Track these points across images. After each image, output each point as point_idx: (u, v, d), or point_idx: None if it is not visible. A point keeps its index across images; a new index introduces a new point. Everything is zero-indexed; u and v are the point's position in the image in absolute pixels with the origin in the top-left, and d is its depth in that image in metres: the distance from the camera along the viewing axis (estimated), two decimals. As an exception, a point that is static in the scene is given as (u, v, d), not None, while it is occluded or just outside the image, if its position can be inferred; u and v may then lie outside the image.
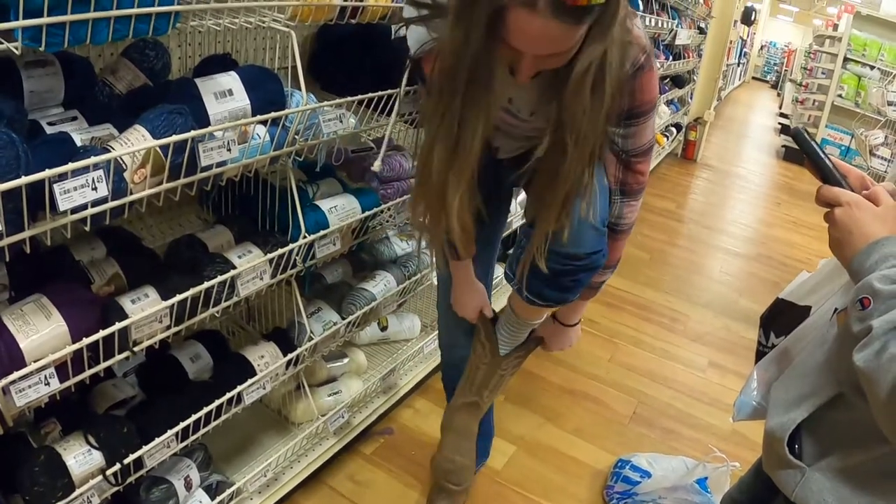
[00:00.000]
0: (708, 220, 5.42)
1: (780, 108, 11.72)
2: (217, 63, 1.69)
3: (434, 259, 1.71)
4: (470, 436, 1.95)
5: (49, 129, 1.35)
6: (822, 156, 1.13)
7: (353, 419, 2.22)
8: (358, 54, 2.04)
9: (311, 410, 2.04)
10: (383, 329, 2.47)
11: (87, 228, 1.26)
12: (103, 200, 1.25)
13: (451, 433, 1.95)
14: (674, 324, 3.52)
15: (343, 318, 1.97)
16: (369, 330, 2.46)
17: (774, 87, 16.68)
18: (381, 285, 2.06)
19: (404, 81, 1.76)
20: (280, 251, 1.62)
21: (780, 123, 10.24)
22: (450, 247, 1.61)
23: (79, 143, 1.33)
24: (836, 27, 9.07)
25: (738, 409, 1.36)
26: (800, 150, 1.16)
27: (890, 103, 6.55)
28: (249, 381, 1.71)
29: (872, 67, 7.77)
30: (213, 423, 1.69)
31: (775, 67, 17.90)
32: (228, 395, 1.67)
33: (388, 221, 1.98)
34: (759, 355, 1.42)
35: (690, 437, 2.66)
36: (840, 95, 7.93)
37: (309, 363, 1.95)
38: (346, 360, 2.28)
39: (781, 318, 1.39)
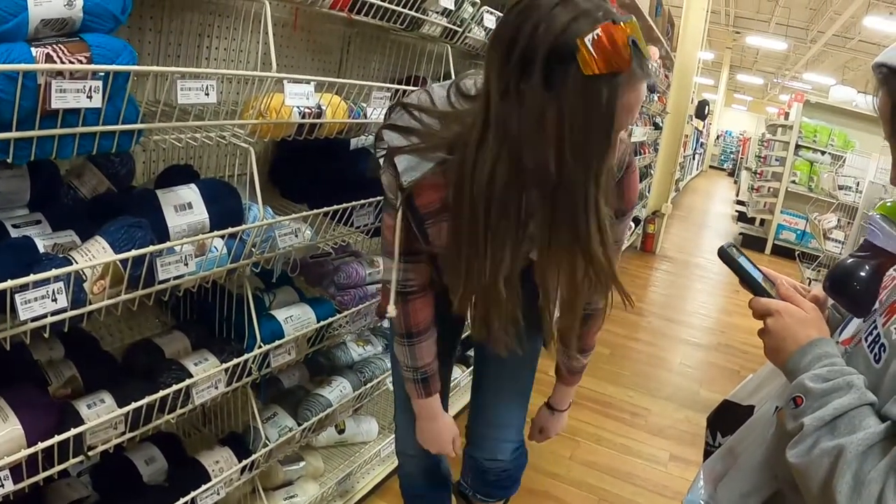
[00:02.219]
0: (668, 311, 5.58)
1: (737, 195, 12.16)
2: (179, 174, 1.80)
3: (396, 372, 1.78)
4: None
5: (13, 232, 1.43)
6: (749, 270, 1.23)
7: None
8: (317, 164, 2.17)
9: (268, 516, 2.07)
10: (340, 432, 2.52)
11: (46, 335, 1.33)
12: (63, 310, 1.33)
13: None
14: (634, 418, 3.60)
15: (299, 424, 2.02)
16: (327, 433, 2.51)
17: (731, 174, 17.30)
18: (337, 391, 2.13)
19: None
20: (235, 361, 1.69)
21: (737, 211, 10.61)
22: (422, 382, 1.64)
23: (41, 249, 1.41)
24: (787, 115, 9.56)
25: None
26: (728, 266, 1.26)
27: (841, 187, 6.87)
28: (204, 487, 1.75)
29: (823, 153, 8.18)
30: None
31: (731, 155, 18.60)
32: (182, 500, 1.71)
33: (343, 328, 2.07)
34: (707, 454, 1.51)
35: (653, 535, 2.72)
36: (793, 181, 8.30)
37: (264, 468, 2.00)
38: (302, 464, 2.32)
39: (726, 418, 1.49)
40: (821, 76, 17.05)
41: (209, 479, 1.81)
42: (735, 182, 14.85)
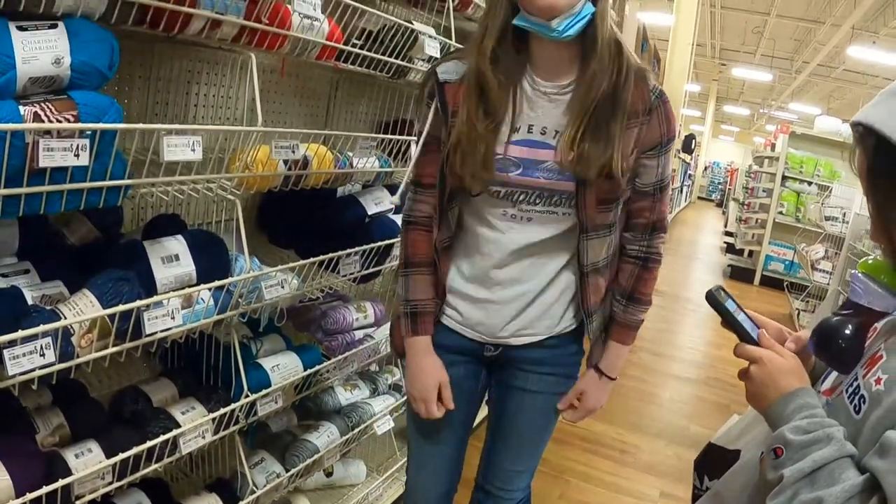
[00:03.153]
0: (657, 347, 5.60)
1: (726, 226, 12.24)
2: (166, 223, 1.82)
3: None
4: None
5: (1, 282, 1.45)
6: (735, 315, 1.25)
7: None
8: (304, 211, 2.19)
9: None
10: (328, 475, 2.52)
11: (34, 387, 1.34)
12: (50, 364, 1.34)
13: None
14: (624, 456, 3.61)
15: (287, 470, 2.03)
16: (315, 476, 2.51)
17: (720, 205, 17.41)
18: (325, 437, 2.14)
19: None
20: (223, 410, 1.70)
21: (725, 243, 10.69)
22: (411, 317, 1.67)
23: (29, 301, 1.43)
24: (773, 147, 9.66)
25: None
26: (716, 310, 1.28)
27: (828, 218, 6.93)
28: (189, 539, 1.76)
29: (810, 183, 8.26)
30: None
31: (720, 186, 18.74)
32: (167, 553, 1.71)
33: (331, 374, 2.08)
34: (695, 498, 1.52)
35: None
36: (781, 212, 8.37)
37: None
38: (291, 509, 2.32)
39: (713, 462, 1.50)
40: (806, 106, 17.28)
41: (196, 528, 1.81)
42: (723, 213, 14.96)
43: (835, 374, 1.25)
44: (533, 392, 1.74)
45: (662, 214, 1.66)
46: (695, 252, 10.39)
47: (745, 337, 1.22)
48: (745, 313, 1.26)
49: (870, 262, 1.24)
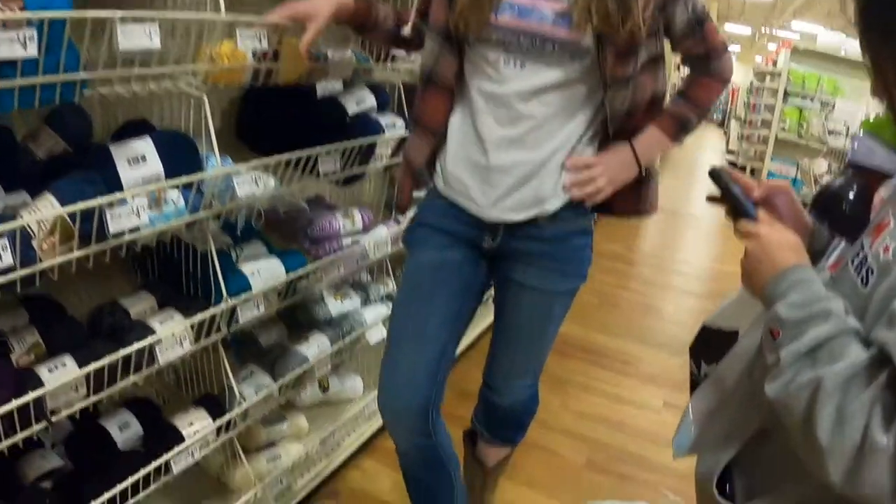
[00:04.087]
0: (659, 261, 5.52)
1: (727, 145, 12.05)
2: (135, 129, 1.71)
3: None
4: None
5: (-35, 199, 1.36)
6: (734, 191, 1.16)
7: (294, 484, 2.20)
8: (282, 116, 2.07)
9: (249, 477, 2.01)
10: (325, 390, 2.46)
11: (-1, 296, 1.26)
12: (10, 269, 1.26)
13: None
14: (626, 367, 3.55)
15: (276, 382, 1.96)
16: (311, 391, 2.45)
17: (721, 125, 17.15)
18: (315, 347, 2.06)
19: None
20: (201, 316, 1.62)
21: (727, 161, 10.52)
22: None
23: (-8, 212, 1.33)
24: (775, 63, 9.41)
25: (677, 447, 1.36)
26: (718, 188, 1.19)
27: (831, 132, 6.78)
28: (177, 449, 1.69)
29: (812, 99, 8.06)
30: (143, 494, 1.67)
31: (721, 106, 18.43)
32: (155, 464, 1.65)
33: (318, 282, 1.99)
34: (693, 386, 1.43)
35: (647, 481, 2.67)
36: (783, 129, 8.19)
37: (243, 428, 1.93)
38: (285, 424, 2.26)
39: (710, 345, 1.41)
40: (809, 24, 16.85)
41: (182, 441, 1.74)
42: (725, 132, 14.73)
43: (840, 248, 1.16)
44: (532, 288, 1.66)
45: (713, 43, 1.59)
46: (695, 171, 10.22)
47: (744, 214, 1.14)
48: (748, 197, 1.17)
49: (871, 119, 1.13)
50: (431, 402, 1.69)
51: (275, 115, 2.06)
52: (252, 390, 1.92)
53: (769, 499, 1.07)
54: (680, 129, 1.64)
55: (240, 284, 1.72)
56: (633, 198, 1.71)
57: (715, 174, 1.20)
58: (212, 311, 1.64)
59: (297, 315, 2.30)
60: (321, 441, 2.20)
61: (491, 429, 2.00)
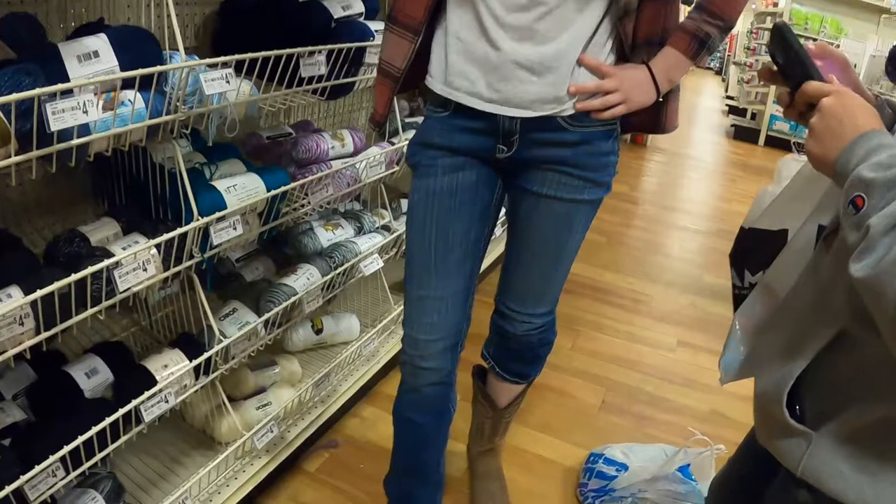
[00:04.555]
0: (663, 200, 5.28)
1: (727, 91, 11.73)
2: (90, 29, 1.46)
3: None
4: (497, 476, 2.01)
5: None
6: (804, 51, 0.94)
7: (287, 433, 1.99)
8: (262, 21, 1.82)
9: (235, 426, 1.80)
10: (318, 332, 2.24)
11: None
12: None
13: (477, 481, 2.01)
14: (637, 305, 3.34)
15: (260, 318, 1.73)
16: (303, 333, 2.23)
17: (719, 73, 16.79)
18: (303, 279, 1.83)
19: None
20: (167, 236, 1.38)
21: (727, 105, 10.23)
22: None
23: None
24: (776, 3, 9.07)
25: (725, 369, 1.15)
26: (777, 51, 0.97)
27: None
28: (146, 394, 1.47)
29: (815, 40, 7.74)
30: (113, 446, 1.46)
31: (718, 54, 18.04)
32: (122, 411, 1.43)
33: (303, 204, 1.75)
34: (738, 300, 1.21)
35: (666, 422, 2.47)
36: (785, 70, 7.89)
37: (226, 370, 1.71)
38: (275, 369, 2.04)
39: (754, 250, 1.18)
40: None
41: (155, 385, 1.52)
42: (723, 80, 14.39)
43: None
44: (549, 197, 1.44)
45: None
46: (695, 115, 9.92)
47: (813, 75, 0.92)
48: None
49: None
50: (461, 337, 1.57)
51: (253, 21, 1.81)
52: (235, 328, 1.70)
53: (851, 418, 0.86)
54: (699, 47, 1.38)
55: (213, 202, 1.48)
56: (651, 112, 1.48)
57: (783, 29, 0.97)
58: (179, 231, 1.40)
59: (284, 249, 2.07)
60: (315, 385, 1.98)
61: (503, 363, 1.80)
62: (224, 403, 1.76)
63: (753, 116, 8.92)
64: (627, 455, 2.08)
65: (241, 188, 1.52)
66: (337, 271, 1.91)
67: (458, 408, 1.70)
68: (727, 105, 10.26)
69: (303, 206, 1.73)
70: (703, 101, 11.54)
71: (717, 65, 18.16)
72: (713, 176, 6.36)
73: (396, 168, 2.08)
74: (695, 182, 6.08)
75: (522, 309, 1.62)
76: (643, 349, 2.93)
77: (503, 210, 1.58)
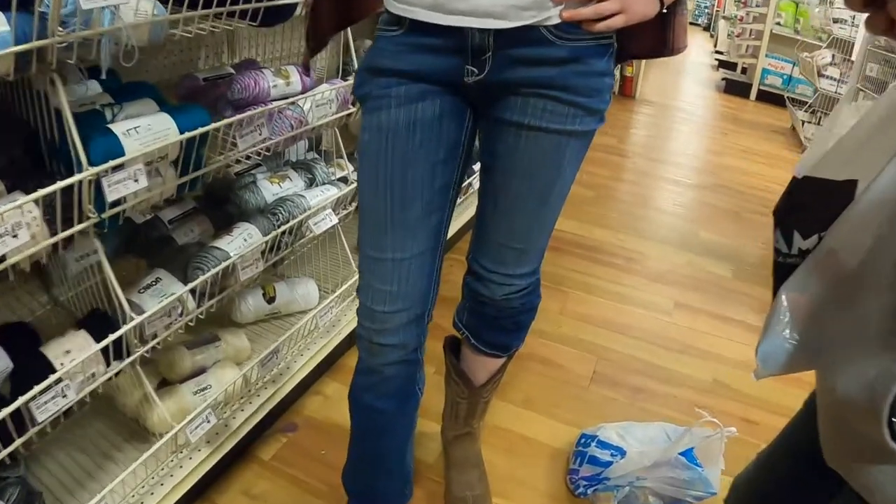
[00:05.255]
0: (654, 153, 4.95)
1: (715, 46, 11.33)
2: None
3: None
4: (475, 463, 1.73)
5: None
6: None
7: (232, 420, 1.69)
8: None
9: (165, 416, 1.50)
10: (270, 300, 1.93)
11: None
12: None
13: (453, 469, 1.72)
14: (630, 264, 3.03)
15: (185, 287, 1.42)
16: (253, 303, 1.92)
17: (706, 29, 16.35)
18: (239, 240, 1.52)
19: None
20: (42, 192, 1.06)
21: (716, 60, 9.84)
22: None
23: None
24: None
25: (766, 359, 0.83)
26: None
27: (836, 20, 6.14)
28: (36, 389, 1.16)
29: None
30: (6, 452, 1.16)
31: (706, 10, 17.57)
32: (6, 411, 1.13)
33: (232, 148, 1.43)
34: (783, 270, 0.89)
35: (664, 395, 2.18)
36: (778, 23, 7.52)
37: (147, 353, 1.40)
38: (218, 345, 1.74)
39: (808, 206, 0.86)
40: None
41: (51, 376, 1.21)
42: (711, 35, 13.96)
43: None
44: (532, 128, 1.13)
45: None
46: (683, 68, 9.52)
47: None
48: None
49: None
50: (429, 306, 1.30)
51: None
52: (156, 301, 1.38)
53: None
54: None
55: (107, 147, 1.15)
56: (656, 29, 1.17)
57: None
58: (61, 184, 1.08)
59: (226, 207, 1.75)
60: (262, 363, 1.67)
61: (479, 333, 1.50)
62: (148, 392, 1.45)
63: (744, 71, 8.57)
64: (623, 437, 1.79)
65: (146, 131, 1.19)
66: (281, 230, 1.59)
67: (431, 381, 1.42)
68: (717, 60, 9.87)
69: (233, 150, 1.40)
70: (692, 56, 11.12)
71: (705, 20, 17.71)
72: (704, 129, 6.03)
73: (353, 109, 1.75)
74: (685, 135, 5.75)
75: (501, 269, 1.32)
76: (637, 312, 2.64)
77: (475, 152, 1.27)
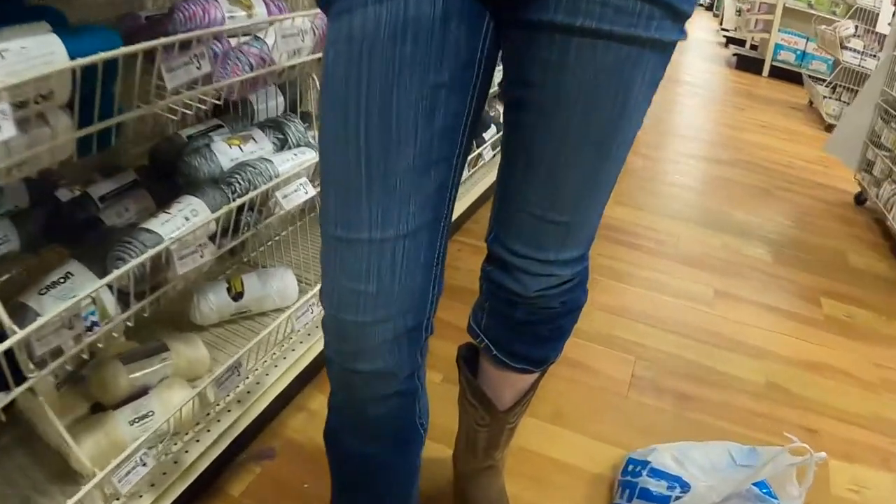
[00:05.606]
0: (671, 127, 4.54)
1: (721, 24, 10.89)
2: None
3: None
4: (499, 498, 1.33)
5: None
6: None
7: (184, 454, 1.29)
8: None
9: (81, 460, 1.10)
10: (237, 297, 1.53)
11: None
12: None
13: None
14: (659, 246, 2.63)
15: (97, 285, 1.01)
16: (215, 300, 1.52)
17: (710, 9, 15.92)
18: (179, 218, 1.11)
19: None
20: None
21: (724, 36, 9.42)
22: None
23: None
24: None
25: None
26: None
27: (862, -16, 5.75)
28: None
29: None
30: None
31: (707, -10, 17.13)
32: None
33: (161, 93, 1.02)
34: None
35: (716, 402, 1.79)
36: (791, -4, 7.12)
37: (55, 375, 1.00)
38: (164, 357, 1.34)
39: None
40: None
41: None
42: (715, 15, 13.52)
43: None
44: (590, 33, 0.73)
45: None
46: (689, 46, 9.07)
47: None
48: None
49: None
50: (428, 313, 0.87)
51: None
52: (59, 304, 0.98)
53: None
54: None
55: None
56: None
57: None
58: None
59: (175, 178, 1.35)
60: (218, 382, 1.27)
61: (505, 343, 1.10)
62: (57, 430, 1.05)
63: (754, 47, 8.15)
64: (682, 463, 1.40)
65: (16, 55, 0.78)
66: (237, 203, 1.18)
67: (436, 391, 1.03)
68: (724, 37, 9.45)
69: (162, 96, 0.99)
70: (697, 35, 10.68)
71: (708, 1, 17.25)
72: (720, 105, 5.61)
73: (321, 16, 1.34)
74: (701, 110, 5.33)
75: (538, 253, 0.92)
76: (674, 302, 2.24)
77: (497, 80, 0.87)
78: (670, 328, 2.08)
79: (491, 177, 2.48)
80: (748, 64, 7.52)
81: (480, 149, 2.36)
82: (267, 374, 1.47)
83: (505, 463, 1.38)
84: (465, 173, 2.19)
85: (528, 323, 1.04)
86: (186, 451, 1.30)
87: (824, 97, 5.73)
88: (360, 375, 0.84)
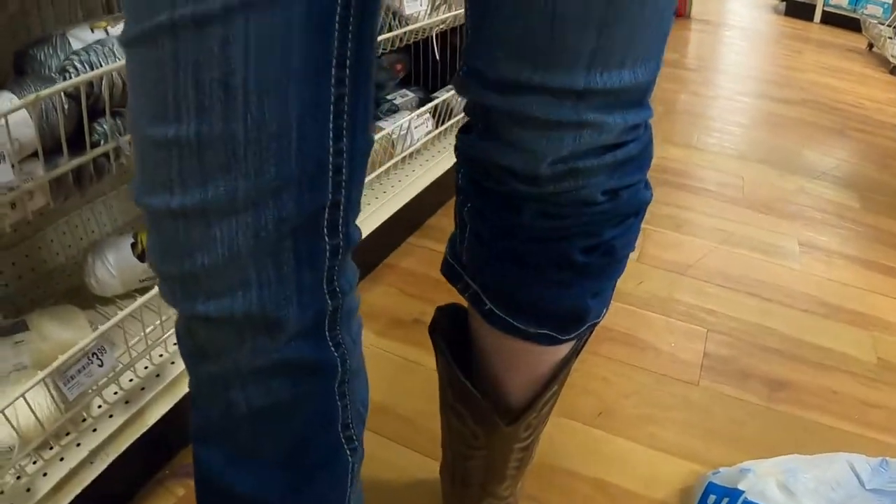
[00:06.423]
0: (726, 66, 3.96)
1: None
2: None
3: None
4: None
5: None
6: None
7: (39, 480, 0.83)
8: None
9: None
10: (143, 255, 1.06)
11: None
12: None
13: None
14: (725, 190, 2.09)
15: None
16: (114, 261, 1.05)
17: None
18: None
19: None
20: None
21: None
22: None
23: None
24: None
25: None
26: None
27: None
28: None
29: None
30: None
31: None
32: None
33: None
34: None
35: (818, 390, 1.27)
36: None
37: None
38: (19, 340, 0.87)
39: None
40: None
41: None
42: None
43: None
44: None
45: None
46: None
47: None
48: None
49: None
50: (333, 196, 0.42)
51: None
52: None
53: None
54: None
55: None
56: None
57: None
58: None
59: (26, 77, 0.87)
60: (60, 372, 0.80)
61: (510, 285, 0.58)
62: None
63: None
64: (791, 489, 0.90)
65: None
66: (57, 87, 0.68)
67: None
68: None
69: None
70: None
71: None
72: (776, 47, 4.98)
73: None
74: (754, 53, 4.72)
75: (553, 76, 0.43)
76: (751, 258, 1.71)
77: None
78: (748, 290, 1.56)
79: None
80: (798, 10, 6.80)
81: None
82: (173, 363, 0.99)
83: (523, 492, 0.89)
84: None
85: (543, 239, 0.54)
86: (45, 474, 0.84)
87: (888, 38, 5.07)
88: (208, 326, 0.41)
